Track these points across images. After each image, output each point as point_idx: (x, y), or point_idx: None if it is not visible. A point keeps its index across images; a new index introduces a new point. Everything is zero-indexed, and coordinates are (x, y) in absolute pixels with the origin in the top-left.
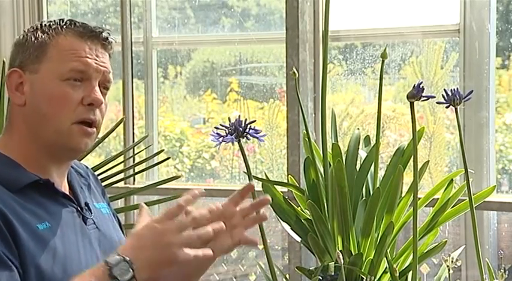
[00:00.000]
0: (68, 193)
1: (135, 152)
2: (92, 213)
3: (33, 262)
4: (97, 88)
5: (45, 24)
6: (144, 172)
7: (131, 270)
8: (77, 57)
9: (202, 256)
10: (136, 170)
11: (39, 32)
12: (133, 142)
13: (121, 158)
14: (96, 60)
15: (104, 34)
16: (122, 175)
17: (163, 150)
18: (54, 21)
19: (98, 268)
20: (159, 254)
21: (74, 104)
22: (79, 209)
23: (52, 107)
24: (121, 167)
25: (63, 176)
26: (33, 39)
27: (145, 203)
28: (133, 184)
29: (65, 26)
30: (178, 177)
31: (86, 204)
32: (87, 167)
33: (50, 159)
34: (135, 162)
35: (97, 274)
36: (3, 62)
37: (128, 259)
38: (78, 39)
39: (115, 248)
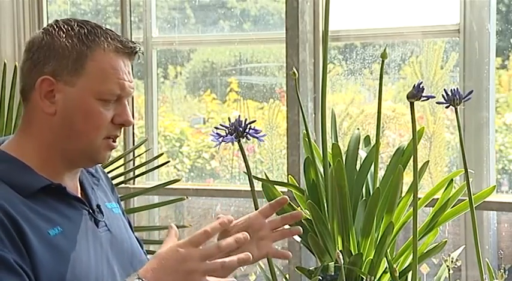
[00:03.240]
0: (79, 195)
1: (135, 156)
2: (103, 215)
3: (44, 269)
4: (128, 108)
5: (78, 30)
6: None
7: None
8: (115, 78)
9: None
10: (136, 173)
11: (75, 40)
12: (133, 141)
13: (121, 160)
14: (129, 81)
15: (137, 50)
16: (122, 175)
17: (163, 153)
18: (88, 28)
19: None
20: (179, 280)
21: (106, 123)
22: (91, 211)
23: (86, 125)
24: (121, 169)
25: (75, 178)
26: (69, 47)
27: (146, 207)
28: (133, 184)
29: (102, 38)
30: (179, 180)
31: (98, 206)
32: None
33: (67, 166)
34: (136, 165)
35: None
36: (4, 63)
37: None
38: (115, 54)
39: (126, 250)
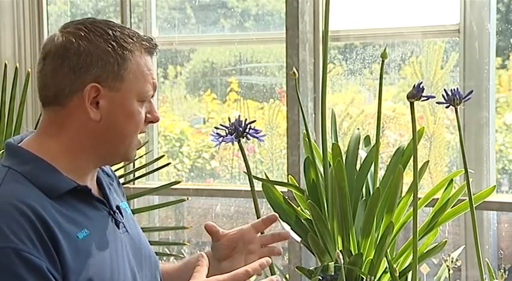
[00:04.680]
0: (100, 196)
1: (136, 158)
2: (123, 217)
3: (74, 275)
4: (154, 105)
5: (113, 34)
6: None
7: None
8: (151, 78)
9: None
10: (137, 175)
11: (114, 44)
12: None
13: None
14: (156, 78)
15: (157, 46)
16: (122, 177)
17: (164, 155)
18: (119, 30)
19: None
20: None
21: (143, 122)
22: (111, 212)
23: (129, 126)
24: (122, 170)
25: (94, 178)
26: (112, 52)
27: (147, 208)
28: (133, 184)
29: (135, 38)
30: (179, 182)
31: (117, 207)
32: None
33: (95, 166)
34: (136, 165)
35: None
36: (5, 64)
37: None
38: (148, 55)
39: (140, 250)
